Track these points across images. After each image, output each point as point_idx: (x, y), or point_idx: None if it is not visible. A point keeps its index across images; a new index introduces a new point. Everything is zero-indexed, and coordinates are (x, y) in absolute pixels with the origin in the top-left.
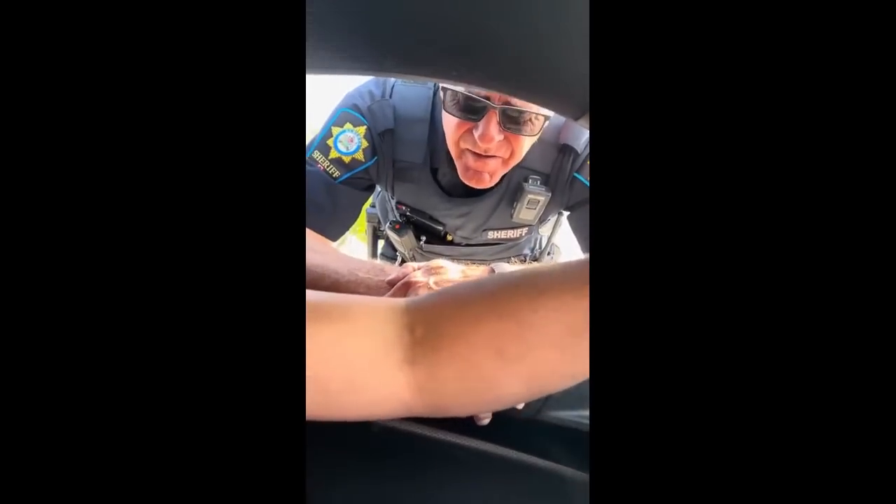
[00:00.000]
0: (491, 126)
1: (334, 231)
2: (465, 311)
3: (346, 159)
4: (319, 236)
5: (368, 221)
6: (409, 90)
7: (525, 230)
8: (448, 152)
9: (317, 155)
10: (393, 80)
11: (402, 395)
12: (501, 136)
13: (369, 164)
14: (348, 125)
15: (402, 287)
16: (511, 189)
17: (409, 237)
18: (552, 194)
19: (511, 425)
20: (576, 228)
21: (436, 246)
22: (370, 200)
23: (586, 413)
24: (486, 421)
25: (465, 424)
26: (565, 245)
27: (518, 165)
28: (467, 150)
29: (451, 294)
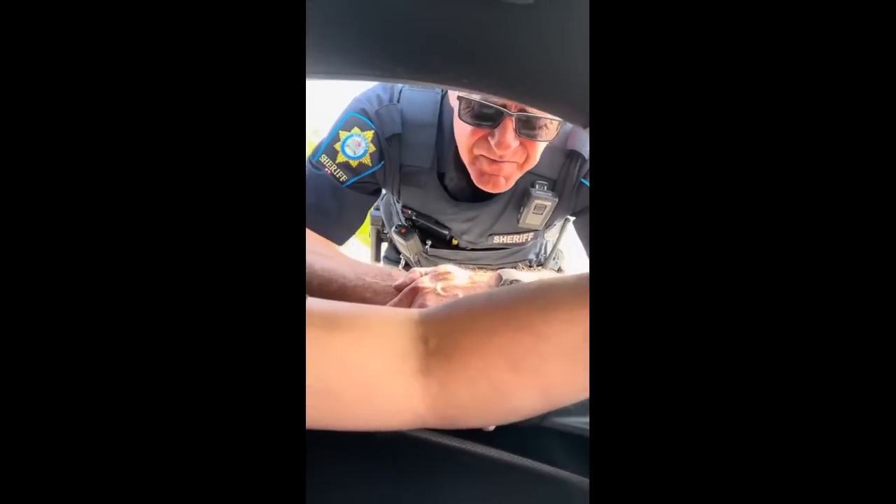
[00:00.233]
0: (507, 133)
1: (340, 235)
2: (479, 323)
3: (354, 163)
4: (325, 240)
5: (372, 224)
6: (416, 95)
7: (531, 235)
8: (456, 157)
9: (324, 159)
10: (401, 84)
11: (416, 407)
12: (517, 142)
13: (376, 168)
14: (356, 129)
15: (410, 293)
16: (518, 194)
17: (415, 241)
18: (559, 200)
19: (515, 431)
20: (582, 234)
21: (441, 250)
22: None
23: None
24: (492, 427)
25: (469, 429)
26: (571, 250)
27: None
28: (481, 155)
29: (465, 305)
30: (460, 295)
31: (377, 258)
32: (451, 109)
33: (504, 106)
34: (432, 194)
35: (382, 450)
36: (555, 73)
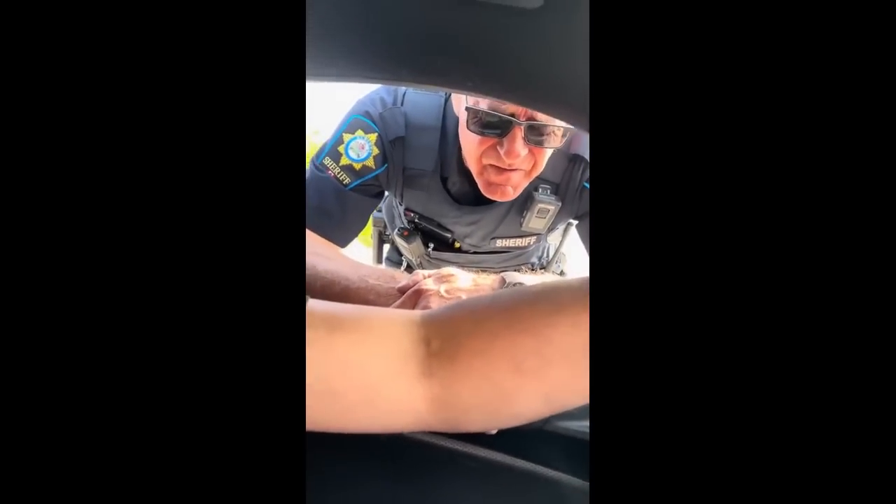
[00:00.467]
0: (516, 142)
1: (343, 237)
2: (482, 326)
3: (357, 166)
4: (328, 242)
5: (374, 226)
6: (420, 98)
7: (533, 239)
8: (459, 161)
9: (328, 161)
10: (405, 87)
11: (418, 408)
12: (526, 150)
13: (380, 171)
14: (359, 132)
15: (414, 295)
16: (521, 198)
17: (417, 244)
18: (562, 203)
19: (516, 434)
20: (585, 238)
21: (444, 253)
22: None
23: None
24: (494, 430)
25: (470, 432)
26: (573, 254)
27: None
28: (489, 165)
29: (468, 307)
30: (464, 297)
31: (379, 260)
32: (455, 113)
33: (513, 115)
34: (435, 197)
35: (383, 451)
36: (559, 77)
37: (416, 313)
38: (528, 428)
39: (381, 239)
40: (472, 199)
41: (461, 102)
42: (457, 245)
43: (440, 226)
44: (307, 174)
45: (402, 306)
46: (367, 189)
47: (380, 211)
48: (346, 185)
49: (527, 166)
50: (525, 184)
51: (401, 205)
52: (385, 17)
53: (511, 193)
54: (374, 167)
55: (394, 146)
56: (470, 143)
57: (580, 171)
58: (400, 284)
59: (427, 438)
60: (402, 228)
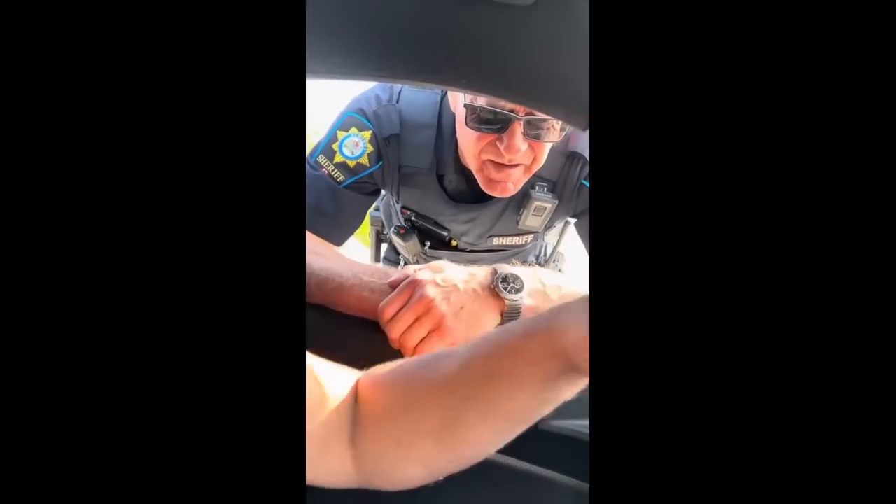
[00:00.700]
0: (516, 137)
1: (338, 235)
2: (406, 390)
3: (351, 163)
4: (323, 240)
5: (372, 225)
6: (416, 95)
7: (531, 237)
8: (455, 159)
9: (321, 159)
10: (400, 85)
11: (349, 472)
12: (526, 146)
13: (374, 168)
14: (353, 129)
15: (409, 286)
16: (518, 195)
17: (414, 242)
18: (559, 201)
19: None
20: (583, 236)
21: (440, 251)
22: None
23: (587, 423)
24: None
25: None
26: (571, 252)
27: None
28: (489, 161)
29: (400, 372)
30: (460, 287)
31: (377, 259)
32: (451, 111)
33: (512, 111)
34: (431, 195)
35: None
36: (554, 75)
37: (358, 374)
38: (528, 428)
39: (379, 238)
40: (469, 196)
41: (458, 99)
42: (453, 243)
43: (436, 224)
44: None
45: (396, 298)
46: (362, 187)
47: (378, 210)
48: (340, 183)
49: (527, 161)
50: (525, 179)
51: (397, 203)
52: (380, 14)
53: (511, 189)
54: (368, 165)
55: (388, 143)
56: (468, 140)
57: (577, 169)
58: (391, 279)
59: None
60: (398, 226)
